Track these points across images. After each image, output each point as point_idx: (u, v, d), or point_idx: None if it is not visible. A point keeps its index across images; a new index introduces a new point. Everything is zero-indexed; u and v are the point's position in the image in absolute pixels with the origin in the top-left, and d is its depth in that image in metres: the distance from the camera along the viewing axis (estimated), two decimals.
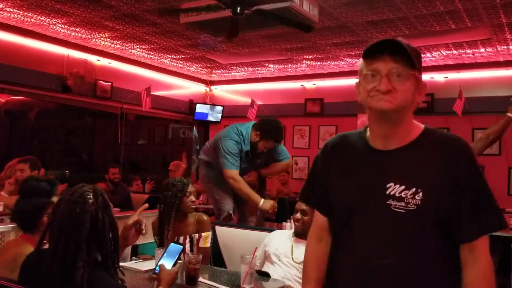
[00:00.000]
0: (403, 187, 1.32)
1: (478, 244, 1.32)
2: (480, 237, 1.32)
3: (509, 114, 3.17)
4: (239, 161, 3.69)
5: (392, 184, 1.33)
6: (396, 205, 1.32)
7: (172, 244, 2.26)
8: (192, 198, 2.86)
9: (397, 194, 1.32)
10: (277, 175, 5.98)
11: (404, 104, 1.33)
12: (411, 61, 1.31)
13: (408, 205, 1.30)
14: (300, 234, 2.67)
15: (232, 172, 3.64)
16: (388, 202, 1.32)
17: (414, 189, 1.30)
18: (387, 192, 1.33)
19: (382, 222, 1.34)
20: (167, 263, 2.11)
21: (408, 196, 1.30)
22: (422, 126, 1.43)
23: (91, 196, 1.63)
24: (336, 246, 1.47)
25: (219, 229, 3.35)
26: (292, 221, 3.60)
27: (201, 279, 2.32)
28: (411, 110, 1.39)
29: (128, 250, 2.84)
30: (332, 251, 1.48)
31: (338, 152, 1.51)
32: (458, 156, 1.33)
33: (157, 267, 2.10)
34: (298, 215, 2.70)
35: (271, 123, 3.73)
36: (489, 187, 1.33)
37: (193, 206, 2.87)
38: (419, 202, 1.29)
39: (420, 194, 1.29)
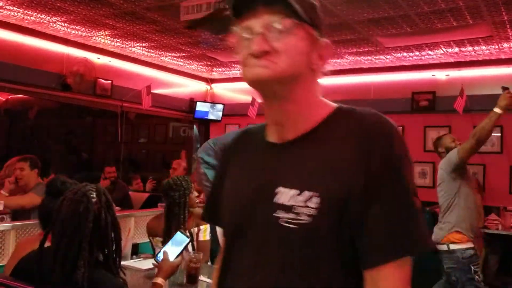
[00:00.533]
0: (293, 191, 0.91)
1: (384, 274, 0.88)
2: (387, 264, 0.88)
3: (495, 110, 3.09)
4: None
5: (281, 188, 0.94)
6: (284, 217, 0.91)
7: (179, 233, 2.23)
8: (195, 193, 2.90)
9: (285, 202, 0.92)
10: None
11: (292, 70, 0.93)
12: (296, 10, 0.93)
13: (299, 217, 0.89)
14: None
15: None
16: (275, 214, 0.92)
17: (307, 194, 0.89)
18: (275, 200, 0.94)
19: (269, 244, 0.94)
20: (171, 253, 2.08)
21: (299, 204, 0.90)
22: (334, 105, 1.04)
23: (94, 196, 1.62)
24: (223, 276, 1.06)
25: (219, 227, 3.34)
26: None
27: (201, 277, 2.31)
28: (309, 81, 1.00)
29: (128, 248, 2.83)
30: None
31: (235, 151, 1.14)
32: (373, 146, 0.90)
33: (160, 254, 2.09)
34: None
35: None
36: (411, 194, 0.92)
37: (198, 201, 2.91)
38: (315, 212, 0.88)
39: (316, 200, 0.89)
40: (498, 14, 4.27)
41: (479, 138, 3.03)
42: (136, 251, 3.01)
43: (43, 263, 1.57)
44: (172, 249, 2.10)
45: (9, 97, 6.80)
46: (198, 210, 2.93)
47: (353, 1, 4.09)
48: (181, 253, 2.09)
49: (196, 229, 2.84)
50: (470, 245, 2.98)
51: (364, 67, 6.68)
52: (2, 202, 3.54)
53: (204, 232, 2.85)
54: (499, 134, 5.95)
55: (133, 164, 8.76)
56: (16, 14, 4.87)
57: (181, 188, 2.78)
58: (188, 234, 2.76)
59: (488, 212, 5.27)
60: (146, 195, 5.93)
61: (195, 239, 2.82)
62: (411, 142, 6.76)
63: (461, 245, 2.96)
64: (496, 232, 4.89)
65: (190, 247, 2.73)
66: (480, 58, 5.91)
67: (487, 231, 4.92)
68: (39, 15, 4.86)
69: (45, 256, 1.57)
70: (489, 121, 3.06)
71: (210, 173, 3.85)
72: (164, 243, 2.74)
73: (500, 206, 5.41)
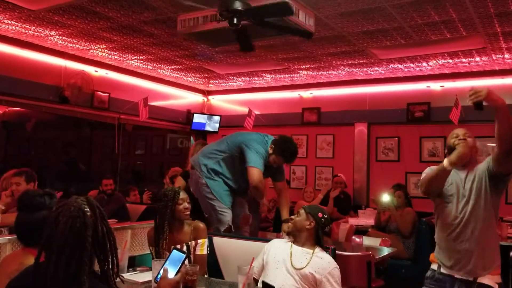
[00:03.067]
0: None
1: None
2: None
3: (444, 164, 2.52)
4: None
5: None
6: None
7: (174, 251, 2.23)
8: (186, 205, 2.86)
9: None
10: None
11: None
12: None
13: None
14: (290, 234, 2.80)
15: (261, 173, 3.70)
16: None
17: None
18: None
19: None
20: (170, 271, 2.08)
21: None
22: None
23: (88, 209, 1.63)
24: None
25: (216, 239, 3.34)
26: None
27: None
28: None
29: (125, 261, 2.83)
30: None
31: None
32: None
33: (159, 275, 2.08)
34: (293, 216, 2.86)
35: (288, 143, 3.82)
36: None
37: (187, 213, 2.87)
38: None
39: None
40: (491, 26, 4.33)
41: (424, 191, 2.69)
42: (132, 263, 3.01)
43: (40, 279, 1.56)
44: (170, 267, 2.10)
45: (7, 109, 6.81)
46: (197, 224, 2.91)
47: (348, 14, 4.14)
48: (179, 270, 2.09)
49: (193, 242, 2.84)
50: (432, 266, 2.81)
51: (359, 78, 6.73)
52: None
53: (202, 246, 2.83)
54: (493, 144, 5.99)
55: (131, 176, 8.75)
56: (14, 28, 4.91)
57: (164, 199, 2.82)
58: (184, 249, 2.77)
59: None
60: (143, 207, 5.90)
61: (192, 252, 2.81)
62: (407, 152, 6.82)
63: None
64: None
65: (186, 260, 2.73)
66: (474, 70, 5.97)
67: None
68: (37, 28, 4.90)
69: (41, 272, 1.57)
70: (432, 175, 2.61)
71: (213, 184, 3.85)
72: (156, 253, 2.76)
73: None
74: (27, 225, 2.09)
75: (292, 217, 2.84)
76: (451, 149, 2.62)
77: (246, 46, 4.01)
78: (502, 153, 2.44)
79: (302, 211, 2.79)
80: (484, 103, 2.41)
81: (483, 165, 2.66)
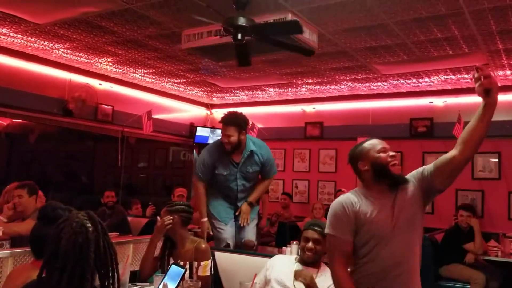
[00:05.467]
0: None
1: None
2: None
3: None
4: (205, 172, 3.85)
5: None
6: None
7: (173, 265, 2.23)
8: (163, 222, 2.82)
9: None
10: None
11: None
12: None
13: None
14: (312, 263, 2.65)
15: (196, 181, 3.95)
16: None
17: None
18: None
19: None
20: (169, 286, 2.08)
21: None
22: None
23: (90, 224, 1.62)
24: None
25: (218, 254, 3.32)
26: (292, 245, 3.59)
27: None
28: None
29: (126, 276, 2.82)
30: None
31: None
32: None
33: None
34: (311, 245, 2.66)
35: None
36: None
37: (166, 227, 2.82)
38: None
39: None
40: (493, 43, 4.35)
41: None
42: (134, 278, 2.99)
43: None
44: (170, 282, 2.09)
45: (11, 121, 6.85)
46: (199, 244, 2.83)
47: (351, 30, 4.17)
48: (179, 284, 2.09)
49: (196, 263, 2.78)
50: None
51: (362, 93, 6.75)
52: (1, 228, 3.53)
53: (204, 268, 2.75)
54: (497, 160, 5.98)
55: (133, 189, 8.75)
56: (19, 41, 4.96)
57: None
58: (182, 263, 2.75)
59: (487, 238, 5.25)
60: (145, 220, 5.89)
61: (194, 272, 2.76)
62: (409, 168, 6.76)
63: None
64: (496, 259, 4.86)
65: (187, 275, 2.71)
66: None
67: (487, 258, 4.89)
68: (42, 42, 4.95)
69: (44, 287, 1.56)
70: None
71: (213, 199, 3.92)
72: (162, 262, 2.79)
73: (500, 232, 5.39)
74: (42, 236, 2.08)
75: (310, 246, 2.65)
76: (380, 165, 2.15)
77: (243, 61, 4.02)
78: (466, 159, 2.03)
79: (320, 238, 2.63)
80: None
81: (410, 184, 2.19)
